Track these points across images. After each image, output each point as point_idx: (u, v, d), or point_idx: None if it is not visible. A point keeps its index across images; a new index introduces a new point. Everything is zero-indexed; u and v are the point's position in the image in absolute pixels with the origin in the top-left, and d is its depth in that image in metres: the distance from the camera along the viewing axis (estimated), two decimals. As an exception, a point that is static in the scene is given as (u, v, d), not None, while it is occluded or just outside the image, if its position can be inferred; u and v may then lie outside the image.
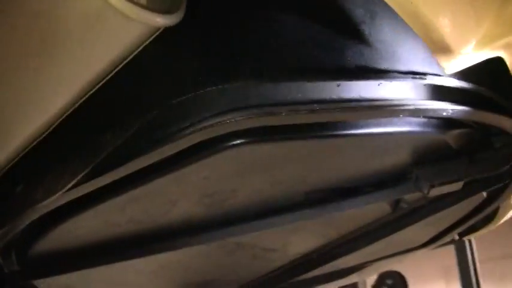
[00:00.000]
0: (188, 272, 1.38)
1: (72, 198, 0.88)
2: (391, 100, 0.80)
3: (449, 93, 0.83)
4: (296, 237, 1.26)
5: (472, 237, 1.63)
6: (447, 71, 0.77)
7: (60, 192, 0.85)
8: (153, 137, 0.76)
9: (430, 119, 0.90)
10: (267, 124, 0.78)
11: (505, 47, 0.73)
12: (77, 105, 0.77)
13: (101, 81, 0.73)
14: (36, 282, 1.28)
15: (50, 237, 1.05)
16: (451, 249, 4.37)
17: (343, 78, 0.78)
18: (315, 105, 0.76)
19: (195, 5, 0.72)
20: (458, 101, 0.83)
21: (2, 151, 0.82)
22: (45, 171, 0.87)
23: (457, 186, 1.02)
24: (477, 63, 0.77)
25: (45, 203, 0.87)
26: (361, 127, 0.84)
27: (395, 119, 0.87)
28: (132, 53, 0.68)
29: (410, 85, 0.82)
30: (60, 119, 0.78)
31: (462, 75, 0.84)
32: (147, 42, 0.67)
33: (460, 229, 1.43)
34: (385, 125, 0.86)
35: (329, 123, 0.82)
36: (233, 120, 0.74)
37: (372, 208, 1.14)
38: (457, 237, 1.57)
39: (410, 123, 0.88)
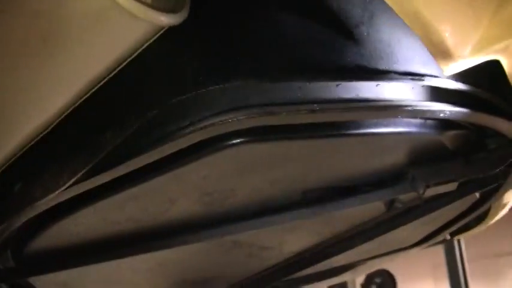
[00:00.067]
0: (184, 270, 1.39)
1: (71, 196, 0.88)
2: (389, 101, 0.81)
3: (447, 95, 0.84)
4: (292, 236, 1.26)
5: (463, 237, 1.64)
6: (445, 73, 0.78)
7: (59, 190, 0.85)
8: (153, 136, 0.77)
9: (427, 120, 0.91)
10: (267, 124, 0.78)
11: (503, 50, 0.74)
12: (77, 104, 0.77)
13: (102, 81, 0.73)
14: (31, 280, 1.28)
15: (47, 235, 1.05)
16: (439, 248, 4.40)
17: (342, 78, 0.79)
18: (315, 105, 0.76)
19: (197, 5, 0.73)
20: (455, 103, 0.84)
21: (0, 150, 0.82)
22: (44, 170, 0.87)
23: (452, 186, 1.03)
24: (475, 66, 0.78)
25: (43, 200, 0.87)
26: (360, 127, 0.85)
27: (393, 120, 0.88)
28: (134, 52, 0.69)
29: (408, 86, 0.82)
30: (60, 118, 0.79)
31: (460, 77, 0.85)
32: (150, 42, 0.67)
33: (452, 229, 1.45)
34: (382, 125, 0.87)
35: (328, 123, 0.83)
36: (233, 119, 0.74)
37: (367, 207, 1.15)
38: (448, 237, 1.58)
39: (407, 124, 0.89)
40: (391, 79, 0.81)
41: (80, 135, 0.84)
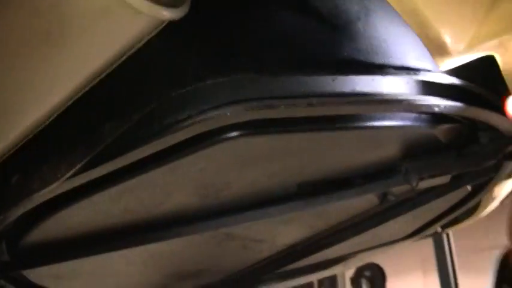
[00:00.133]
0: (178, 262, 1.39)
1: (68, 188, 0.88)
2: (384, 95, 0.82)
3: (441, 89, 0.85)
4: (285, 228, 1.27)
5: (454, 229, 1.67)
6: (441, 68, 0.79)
7: (57, 183, 0.85)
8: (152, 129, 0.77)
9: (421, 114, 0.92)
10: (265, 117, 0.79)
11: (497, 46, 0.76)
12: (77, 96, 0.77)
13: (102, 74, 0.74)
14: (25, 273, 1.29)
15: (42, 228, 1.05)
16: (428, 242, 4.43)
17: (338, 72, 0.80)
18: (312, 98, 0.77)
19: (197, 0, 0.73)
20: (450, 97, 0.85)
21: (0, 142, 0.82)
22: (42, 162, 0.87)
23: (445, 179, 1.05)
24: (470, 61, 0.79)
25: (41, 193, 0.88)
26: (355, 121, 0.86)
27: (388, 113, 0.89)
28: (135, 46, 0.69)
29: (403, 80, 0.84)
30: (60, 110, 0.79)
31: (455, 72, 0.86)
32: (150, 36, 0.68)
33: (443, 222, 1.47)
34: (378, 118, 0.88)
35: (325, 116, 0.84)
36: (232, 113, 0.75)
37: (360, 200, 1.17)
38: (439, 230, 1.60)
39: (402, 118, 0.90)
40: (386, 73, 0.83)
41: (78, 128, 0.84)
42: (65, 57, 0.68)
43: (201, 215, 1.05)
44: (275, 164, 0.94)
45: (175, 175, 0.91)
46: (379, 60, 0.84)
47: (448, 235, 4.16)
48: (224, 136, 0.81)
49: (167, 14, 0.64)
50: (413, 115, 0.91)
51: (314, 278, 1.81)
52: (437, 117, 0.94)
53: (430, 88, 0.85)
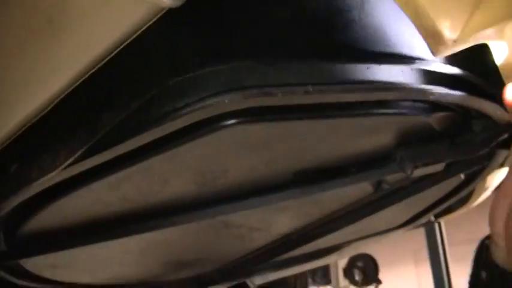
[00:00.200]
0: (174, 252, 1.40)
1: (67, 176, 0.89)
2: (379, 83, 0.83)
3: (436, 78, 0.86)
4: (280, 217, 1.29)
5: (447, 219, 1.68)
6: (436, 56, 0.80)
7: (56, 171, 0.86)
8: (150, 117, 0.78)
9: (416, 102, 0.93)
10: (263, 104, 0.80)
11: (493, 34, 0.77)
12: (76, 84, 0.78)
13: (101, 62, 0.74)
14: (22, 262, 1.29)
15: (40, 217, 1.06)
16: (420, 233, 4.47)
17: (333, 61, 0.81)
18: (309, 86, 0.78)
19: None
20: (444, 85, 0.87)
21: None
22: (41, 150, 0.88)
23: (439, 167, 1.06)
24: (464, 49, 0.80)
25: (40, 181, 0.88)
26: (352, 108, 0.87)
27: (383, 101, 0.90)
28: (135, 33, 0.70)
29: (399, 69, 0.84)
30: (59, 98, 0.80)
31: (449, 60, 0.87)
32: (150, 23, 0.68)
33: (437, 210, 1.48)
34: (374, 106, 0.89)
35: (322, 104, 0.84)
36: (230, 100, 0.76)
37: (354, 188, 1.18)
38: (433, 219, 1.62)
39: (397, 106, 0.91)
40: (382, 62, 0.83)
41: (77, 116, 0.85)
42: (66, 44, 0.69)
43: (198, 203, 1.06)
44: (272, 151, 0.95)
45: (173, 163, 0.92)
46: (375, 48, 0.84)
47: (440, 225, 4.19)
48: (222, 123, 0.82)
49: (167, 1, 0.64)
50: (409, 103, 0.92)
51: (308, 267, 1.82)
52: (431, 106, 0.95)
53: (425, 76, 0.86)
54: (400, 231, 1.67)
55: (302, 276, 2.48)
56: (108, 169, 0.91)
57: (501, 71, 0.93)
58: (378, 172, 1.07)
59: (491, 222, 0.99)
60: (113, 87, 0.81)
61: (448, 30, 0.74)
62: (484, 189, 1.42)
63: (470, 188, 1.34)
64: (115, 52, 0.73)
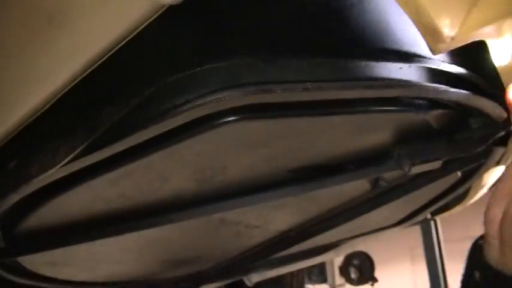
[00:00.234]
0: (172, 249, 1.40)
1: (67, 173, 0.89)
2: (378, 80, 0.83)
3: (434, 75, 0.87)
4: (278, 214, 1.29)
5: (443, 216, 1.69)
6: (434, 53, 0.81)
7: (56, 168, 0.86)
8: (150, 113, 0.78)
9: (414, 99, 0.93)
10: (262, 101, 0.80)
11: (492, 32, 0.77)
12: (76, 81, 0.78)
13: (101, 59, 0.75)
14: (20, 260, 1.29)
15: (38, 214, 1.06)
16: (416, 231, 4.48)
17: (332, 58, 0.81)
18: (308, 83, 0.79)
19: None
20: (444, 83, 0.87)
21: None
22: (41, 147, 0.88)
23: (436, 164, 1.07)
24: (462, 46, 0.80)
25: (40, 178, 0.88)
26: (351, 105, 0.88)
27: (381, 99, 0.90)
28: (135, 30, 0.70)
29: (398, 66, 0.85)
30: (59, 95, 0.80)
31: (448, 57, 0.88)
32: (150, 20, 0.69)
33: (433, 207, 1.49)
34: (372, 103, 0.89)
35: (321, 101, 0.85)
36: (230, 97, 0.76)
37: (352, 186, 1.18)
38: (429, 216, 1.63)
39: (396, 103, 0.91)
40: (380, 59, 0.84)
41: (77, 113, 0.85)
42: (66, 42, 0.69)
43: (197, 200, 1.06)
44: (271, 148, 0.95)
45: (173, 159, 0.92)
46: (374, 45, 0.85)
47: (436, 223, 4.21)
48: (222, 120, 0.82)
49: (169, -2, 0.65)
50: (407, 100, 0.93)
51: (305, 264, 1.83)
52: (429, 103, 0.95)
53: (424, 74, 0.87)
54: (397, 229, 1.67)
55: (299, 274, 2.48)
56: (108, 166, 0.91)
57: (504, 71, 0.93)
58: (375, 169, 1.08)
59: (486, 222, 0.98)
60: (113, 84, 0.82)
61: (447, 27, 0.74)
62: (481, 187, 1.43)
63: (467, 185, 1.35)
64: (115, 49, 0.73)
